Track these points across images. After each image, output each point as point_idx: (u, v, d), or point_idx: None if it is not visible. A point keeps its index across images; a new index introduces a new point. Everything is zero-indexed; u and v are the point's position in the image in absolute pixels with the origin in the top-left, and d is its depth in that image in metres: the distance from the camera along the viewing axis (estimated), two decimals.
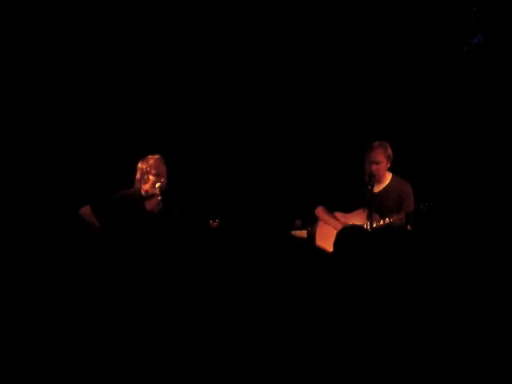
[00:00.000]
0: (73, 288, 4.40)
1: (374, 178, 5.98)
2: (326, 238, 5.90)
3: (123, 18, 7.06)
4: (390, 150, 6.06)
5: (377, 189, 6.03)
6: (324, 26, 7.26)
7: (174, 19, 7.18)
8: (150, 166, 5.90)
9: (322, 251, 5.77)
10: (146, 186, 5.93)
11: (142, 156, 6.03)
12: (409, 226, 5.75)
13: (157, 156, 5.95)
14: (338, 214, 6.11)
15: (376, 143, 6.07)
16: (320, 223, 6.19)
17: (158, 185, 5.86)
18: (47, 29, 6.88)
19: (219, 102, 7.39)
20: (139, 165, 5.97)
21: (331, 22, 7.25)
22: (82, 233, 5.74)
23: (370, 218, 5.82)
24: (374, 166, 5.99)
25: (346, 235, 4.44)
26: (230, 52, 7.33)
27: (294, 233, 5.99)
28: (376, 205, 5.92)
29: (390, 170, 6.13)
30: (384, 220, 5.85)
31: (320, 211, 6.20)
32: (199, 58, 7.30)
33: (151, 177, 5.90)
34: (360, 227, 4.74)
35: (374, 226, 5.80)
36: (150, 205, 5.97)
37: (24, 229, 6.35)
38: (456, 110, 7.05)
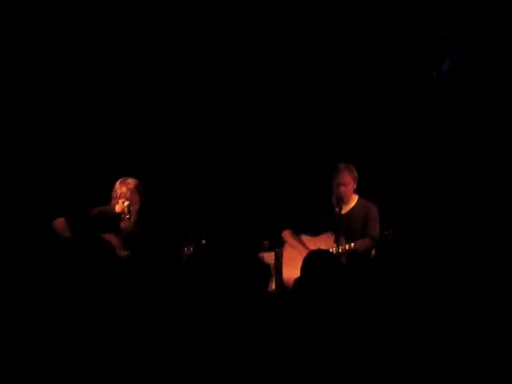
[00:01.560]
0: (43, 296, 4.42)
1: (342, 201, 6.06)
2: (292, 261, 5.93)
3: (115, 16, 7.03)
4: (355, 172, 6.14)
5: (343, 210, 6.08)
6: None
7: (166, 18, 7.15)
8: (123, 193, 5.98)
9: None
10: (118, 208, 6.00)
11: (120, 175, 6.10)
12: (373, 252, 5.86)
13: (132, 186, 6.02)
14: (305, 238, 6.17)
15: (342, 165, 6.14)
16: (287, 246, 6.24)
17: (126, 203, 5.93)
18: (35, 27, 6.87)
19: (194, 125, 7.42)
20: (117, 184, 6.05)
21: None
22: (53, 244, 5.72)
23: (336, 241, 5.90)
24: (341, 188, 6.06)
25: (313, 260, 4.52)
26: (216, 54, 7.31)
27: (262, 254, 6.04)
28: (343, 227, 5.99)
29: (356, 191, 6.21)
30: (350, 244, 5.92)
31: (287, 235, 6.24)
32: (189, 61, 7.29)
33: (120, 202, 5.97)
34: (326, 252, 4.81)
35: (340, 250, 5.88)
36: (124, 224, 6.03)
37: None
38: (426, 133, 7.12)
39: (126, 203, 5.94)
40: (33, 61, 6.91)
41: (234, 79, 7.32)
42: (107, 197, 6.10)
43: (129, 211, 5.91)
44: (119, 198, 5.97)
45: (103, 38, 7.02)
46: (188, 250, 5.80)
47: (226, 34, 7.20)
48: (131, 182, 6.03)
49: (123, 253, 5.47)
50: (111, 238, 5.39)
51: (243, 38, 7.22)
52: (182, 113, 7.36)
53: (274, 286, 6.05)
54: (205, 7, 7.11)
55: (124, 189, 5.98)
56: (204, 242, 5.89)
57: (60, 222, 5.89)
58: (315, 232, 6.16)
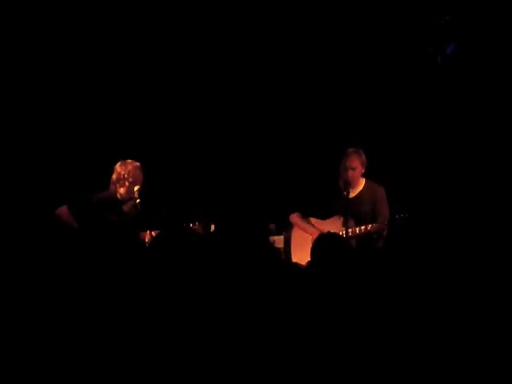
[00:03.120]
0: (50, 288, 4.39)
1: (350, 184, 6.06)
2: (301, 245, 5.92)
3: (113, 16, 7.07)
4: (364, 157, 6.13)
5: (351, 194, 6.08)
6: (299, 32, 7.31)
7: (163, 16, 7.19)
8: (129, 173, 5.90)
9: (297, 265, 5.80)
10: (122, 190, 5.93)
11: (120, 158, 6.04)
12: (384, 233, 5.85)
13: (136, 164, 5.95)
14: (314, 221, 6.14)
15: (351, 149, 6.13)
16: (295, 229, 6.22)
17: (136, 188, 5.88)
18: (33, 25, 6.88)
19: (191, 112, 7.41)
20: (117, 167, 5.96)
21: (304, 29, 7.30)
22: (59, 233, 5.71)
23: (345, 224, 5.89)
24: (349, 172, 6.05)
25: (324, 243, 4.48)
26: (204, 52, 7.33)
27: (272, 238, 6.01)
28: (351, 211, 5.98)
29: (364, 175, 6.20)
30: (360, 227, 5.91)
31: (295, 218, 6.22)
32: (178, 60, 7.31)
33: (127, 183, 5.90)
34: (336, 235, 4.77)
35: (350, 233, 5.87)
36: (126, 207, 5.99)
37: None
38: (430, 118, 7.11)
39: (137, 187, 5.88)
40: (29, 56, 6.94)
41: (235, 72, 7.36)
42: (103, 183, 6.05)
43: (139, 195, 5.86)
44: (126, 180, 5.89)
45: (100, 37, 7.05)
46: (194, 226, 5.77)
47: (220, 30, 7.24)
48: (133, 162, 5.96)
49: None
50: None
51: (241, 34, 7.26)
52: (184, 97, 7.35)
53: None
54: (202, 6, 7.16)
55: (130, 167, 5.91)
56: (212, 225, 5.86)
57: (63, 211, 5.84)
58: (323, 216, 6.13)
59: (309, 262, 4.47)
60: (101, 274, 4.08)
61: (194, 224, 5.78)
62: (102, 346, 3.41)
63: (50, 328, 3.53)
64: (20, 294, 3.89)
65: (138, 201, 5.84)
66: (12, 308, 3.70)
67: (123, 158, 6.05)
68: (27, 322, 3.59)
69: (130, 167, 5.92)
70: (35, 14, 6.87)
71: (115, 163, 6.01)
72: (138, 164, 5.96)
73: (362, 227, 5.90)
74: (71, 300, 3.79)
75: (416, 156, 7.11)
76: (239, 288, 3.84)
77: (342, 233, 5.84)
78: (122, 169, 5.93)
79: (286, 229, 6.31)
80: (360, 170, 6.10)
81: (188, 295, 3.66)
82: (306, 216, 6.21)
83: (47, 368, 3.31)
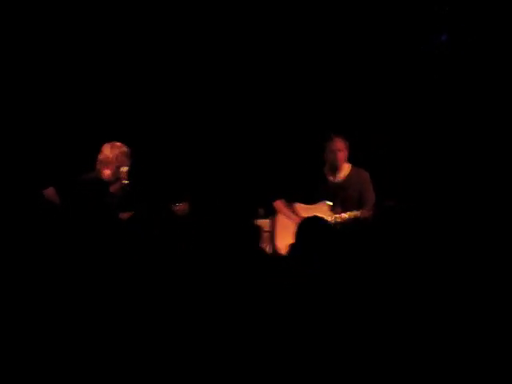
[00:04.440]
0: (34, 270, 4.39)
1: (336, 168, 6.10)
2: (285, 230, 5.90)
3: (111, 15, 7.10)
4: (347, 141, 6.19)
5: (337, 179, 6.15)
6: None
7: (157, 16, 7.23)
8: (115, 157, 5.88)
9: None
10: (106, 172, 5.91)
11: (108, 139, 6.03)
12: (371, 220, 5.85)
13: (124, 149, 5.92)
14: (300, 206, 6.15)
15: (333, 134, 6.18)
16: (279, 216, 6.23)
17: (125, 169, 5.86)
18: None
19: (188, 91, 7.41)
20: (104, 149, 5.92)
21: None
22: (46, 213, 5.70)
23: (332, 209, 5.90)
24: (338, 154, 6.10)
25: (306, 227, 4.49)
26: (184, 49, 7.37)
27: (257, 222, 6.02)
28: (338, 195, 6.02)
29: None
30: (347, 212, 5.95)
31: (279, 204, 6.24)
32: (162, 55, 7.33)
33: (113, 166, 5.88)
34: (320, 218, 4.78)
35: (338, 218, 5.89)
36: (113, 188, 5.97)
37: None
38: (416, 106, 7.20)
39: (125, 169, 5.86)
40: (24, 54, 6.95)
41: (221, 63, 7.40)
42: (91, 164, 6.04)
43: (127, 176, 5.85)
44: (111, 163, 5.88)
45: (95, 36, 7.09)
46: (179, 205, 5.76)
47: (208, 27, 7.26)
48: (122, 145, 5.93)
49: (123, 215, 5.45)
50: None
51: (231, 30, 7.30)
52: (171, 84, 7.38)
53: (271, 250, 6.10)
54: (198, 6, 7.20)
55: (117, 151, 5.89)
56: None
57: (50, 191, 5.85)
58: (309, 201, 6.14)
59: (291, 245, 4.47)
60: (81, 254, 4.08)
61: (179, 204, 5.76)
62: (79, 329, 3.41)
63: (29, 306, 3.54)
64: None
65: (125, 181, 5.83)
66: None
67: (112, 139, 6.03)
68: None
69: (117, 151, 5.89)
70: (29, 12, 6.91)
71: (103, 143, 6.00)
72: (125, 149, 5.93)
73: (350, 212, 5.92)
74: (53, 281, 3.79)
75: (404, 147, 7.20)
76: (216, 270, 3.84)
77: (330, 218, 5.83)
78: (109, 151, 5.90)
79: (273, 213, 6.31)
80: (345, 152, 6.15)
81: (163, 277, 3.65)
82: (291, 202, 6.22)
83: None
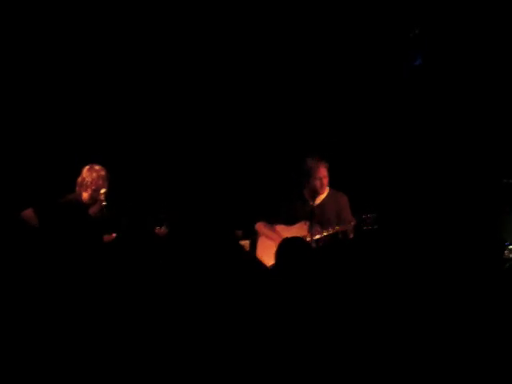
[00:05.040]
0: (12, 290, 4.38)
1: (318, 193, 6.14)
2: (267, 250, 5.94)
3: (110, 15, 7.11)
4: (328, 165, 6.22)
5: (316, 202, 6.16)
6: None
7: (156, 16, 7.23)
8: (92, 180, 5.96)
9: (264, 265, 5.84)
10: (84, 195, 5.99)
11: (87, 161, 6.04)
12: (351, 235, 5.94)
13: (102, 173, 5.99)
14: (280, 227, 6.18)
15: (316, 159, 6.19)
16: (261, 237, 6.25)
17: (103, 191, 5.90)
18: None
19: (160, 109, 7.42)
20: (83, 172, 6.02)
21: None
22: (24, 235, 5.70)
23: (310, 230, 5.94)
24: (318, 182, 6.13)
25: (287, 246, 4.55)
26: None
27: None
28: (316, 217, 6.05)
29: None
30: (327, 229, 5.99)
31: (260, 226, 6.28)
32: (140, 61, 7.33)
33: (89, 190, 5.96)
34: (300, 238, 4.83)
35: (316, 237, 5.94)
36: (92, 210, 6.00)
37: None
38: (391, 126, 7.31)
39: (103, 190, 5.91)
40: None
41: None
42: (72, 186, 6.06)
43: (105, 198, 5.88)
44: (88, 186, 5.94)
45: (94, 37, 7.12)
46: (160, 229, 5.79)
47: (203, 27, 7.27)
48: (100, 169, 6.00)
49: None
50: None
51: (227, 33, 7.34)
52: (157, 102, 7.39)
53: None
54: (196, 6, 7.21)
55: (94, 175, 5.96)
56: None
57: (28, 213, 5.86)
58: (288, 222, 6.17)
59: (272, 265, 4.51)
60: (58, 274, 4.09)
61: (160, 227, 5.81)
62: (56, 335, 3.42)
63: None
64: None
65: (103, 203, 5.87)
66: None
67: (92, 160, 6.06)
68: None
69: (94, 175, 5.97)
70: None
71: (84, 165, 6.03)
72: (103, 173, 5.99)
73: (330, 229, 5.96)
74: (34, 301, 3.79)
75: (381, 159, 7.28)
76: (201, 288, 3.87)
77: (308, 238, 5.87)
78: (87, 174, 5.99)
79: (252, 235, 6.34)
80: (328, 179, 6.19)
81: (147, 294, 3.67)
82: (271, 224, 6.25)
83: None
